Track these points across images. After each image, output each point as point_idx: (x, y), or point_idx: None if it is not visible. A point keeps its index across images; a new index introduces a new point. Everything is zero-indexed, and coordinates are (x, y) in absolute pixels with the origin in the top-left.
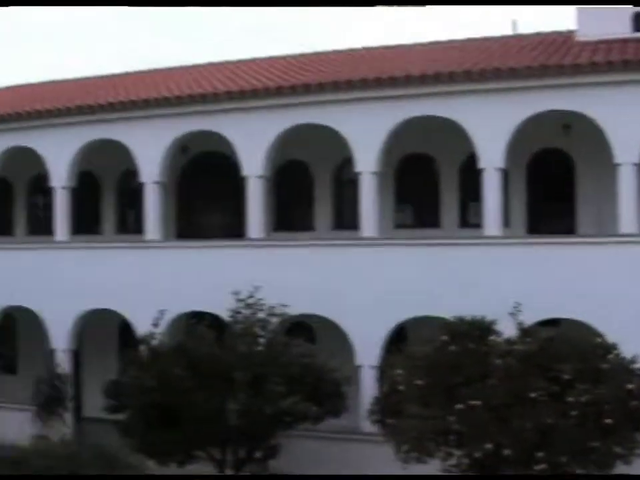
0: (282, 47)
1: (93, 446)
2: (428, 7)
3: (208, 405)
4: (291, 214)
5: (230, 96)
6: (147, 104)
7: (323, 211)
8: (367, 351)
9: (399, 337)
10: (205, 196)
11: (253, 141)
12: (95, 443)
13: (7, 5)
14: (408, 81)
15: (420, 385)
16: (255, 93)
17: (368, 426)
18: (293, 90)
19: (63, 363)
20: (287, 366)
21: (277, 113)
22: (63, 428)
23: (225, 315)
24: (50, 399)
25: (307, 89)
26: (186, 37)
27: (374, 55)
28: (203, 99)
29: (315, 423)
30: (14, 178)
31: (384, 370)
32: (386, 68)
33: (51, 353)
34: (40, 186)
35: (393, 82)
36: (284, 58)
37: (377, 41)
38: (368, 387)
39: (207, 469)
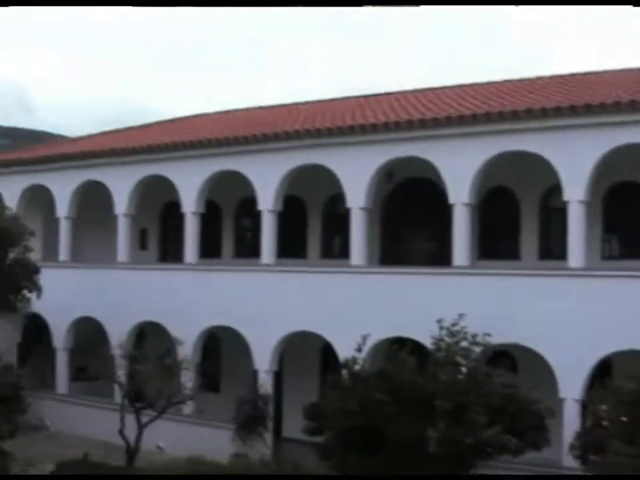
0: (485, 73)
1: (292, 466)
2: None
3: (408, 431)
4: (496, 242)
5: (436, 122)
6: (353, 130)
7: (529, 240)
8: (571, 383)
9: (604, 371)
10: (410, 222)
11: (459, 167)
12: (294, 463)
13: (7, 5)
14: (617, 107)
15: (625, 421)
16: (462, 120)
17: (569, 460)
18: (501, 116)
19: (265, 383)
20: (488, 396)
21: (483, 140)
22: (262, 447)
23: (427, 342)
24: (251, 419)
25: (514, 115)
26: (391, 63)
27: (580, 80)
28: (409, 125)
29: (516, 455)
30: (222, 201)
31: (587, 404)
32: (594, 94)
33: (254, 374)
34: (247, 209)
35: (602, 109)
36: (489, 84)
37: (586, 65)
38: (571, 421)
39: None
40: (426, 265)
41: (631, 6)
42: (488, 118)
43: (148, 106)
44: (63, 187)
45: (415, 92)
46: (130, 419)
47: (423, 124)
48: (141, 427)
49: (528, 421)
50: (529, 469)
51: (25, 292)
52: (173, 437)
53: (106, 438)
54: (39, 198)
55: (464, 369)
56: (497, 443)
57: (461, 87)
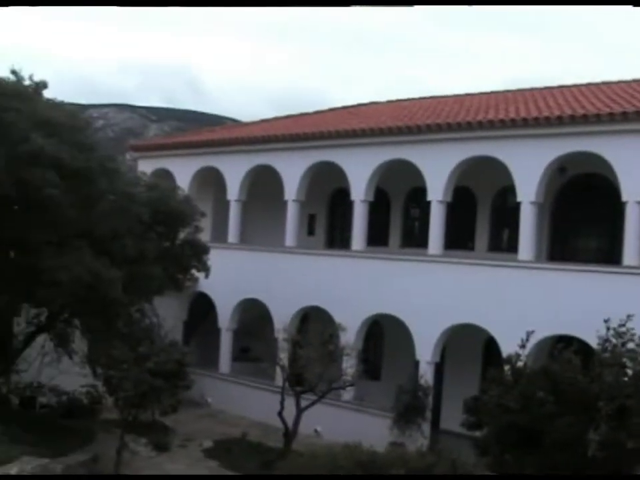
0: None
1: (450, 461)
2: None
3: (568, 432)
4: None
5: (612, 117)
6: (526, 123)
7: None
8: None
9: None
10: (581, 219)
11: (634, 164)
12: (452, 457)
13: (7, 5)
14: None
15: None
16: (638, 115)
17: None
18: None
19: (426, 374)
20: None
21: None
22: (420, 438)
23: (592, 342)
24: (410, 408)
25: None
26: (567, 57)
27: None
28: (584, 119)
29: None
30: (391, 190)
31: None
32: None
33: (415, 364)
34: (417, 199)
35: None
36: None
37: None
38: None
39: None
40: (595, 262)
41: (630, 6)
42: None
43: (323, 94)
44: (234, 170)
45: (588, 85)
46: (289, 402)
47: (598, 119)
48: (300, 411)
49: None
50: None
51: (194, 271)
52: (331, 422)
53: (264, 419)
54: (211, 180)
55: (629, 372)
56: None
57: (637, 81)
